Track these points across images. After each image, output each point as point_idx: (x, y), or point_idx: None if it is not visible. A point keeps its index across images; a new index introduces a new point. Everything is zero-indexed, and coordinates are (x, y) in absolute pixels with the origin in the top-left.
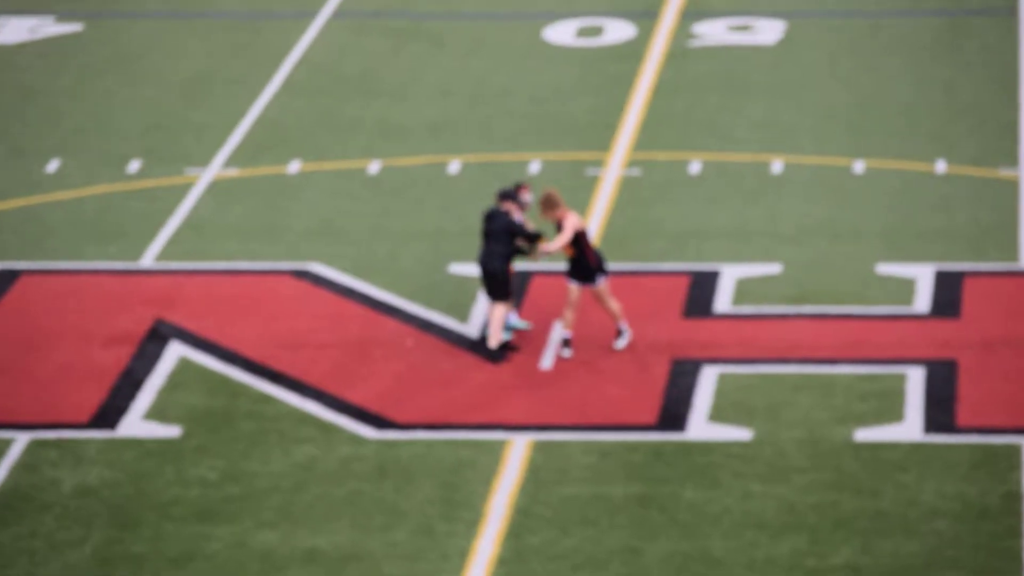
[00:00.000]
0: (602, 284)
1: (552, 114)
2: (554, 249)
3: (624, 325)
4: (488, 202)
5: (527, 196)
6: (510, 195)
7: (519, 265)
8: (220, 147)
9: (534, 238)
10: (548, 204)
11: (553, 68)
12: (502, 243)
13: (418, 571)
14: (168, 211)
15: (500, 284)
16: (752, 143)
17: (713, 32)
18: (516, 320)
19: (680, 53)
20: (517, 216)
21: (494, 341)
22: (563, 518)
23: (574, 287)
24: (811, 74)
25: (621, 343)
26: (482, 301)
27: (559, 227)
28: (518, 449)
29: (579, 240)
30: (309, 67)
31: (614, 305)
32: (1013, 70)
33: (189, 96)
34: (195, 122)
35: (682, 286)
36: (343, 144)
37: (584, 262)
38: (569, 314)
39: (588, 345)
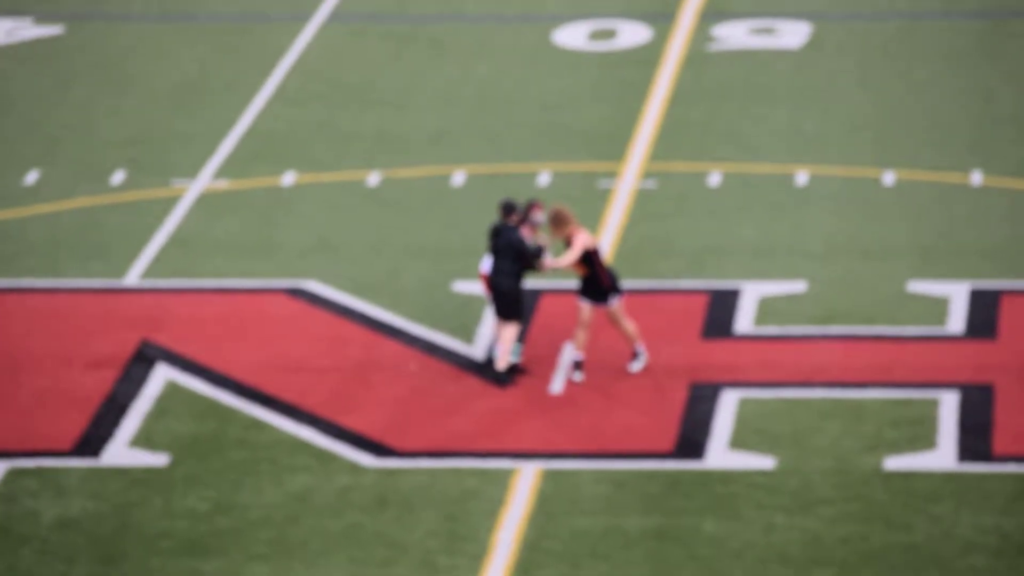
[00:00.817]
0: (615, 304)
1: (562, 123)
2: (560, 266)
3: (640, 347)
4: (495, 216)
5: (539, 215)
6: (513, 208)
7: (528, 283)
8: (209, 158)
9: (537, 255)
10: (558, 221)
11: (563, 73)
12: (510, 260)
13: None
14: (154, 226)
15: (511, 303)
16: (775, 153)
17: (734, 35)
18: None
19: (699, 57)
20: (526, 232)
21: (502, 363)
22: (574, 552)
23: (585, 307)
24: (838, 80)
25: (636, 366)
26: (488, 320)
27: (568, 245)
28: (526, 478)
29: (591, 258)
30: (304, 73)
31: (629, 326)
32: None
33: (176, 104)
34: (183, 131)
35: (701, 305)
36: (340, 155)
37: (596, 281)
38: (581, 335)
39: (601, 368)
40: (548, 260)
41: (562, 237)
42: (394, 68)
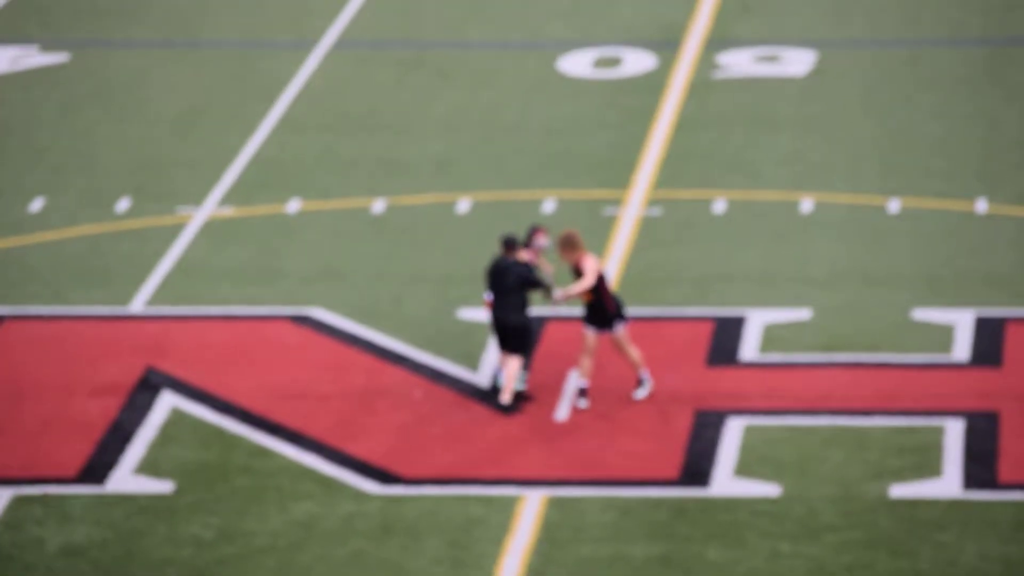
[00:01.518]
0: (620, 331)
1: (567, 150)
2: (575, 294)
3: (645, 374)
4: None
5: (543, 240)
6: (514, 243)
7: (532, 311)
8: (214, 185)
9: (548, 283)
10: (568, 245)
11: (568, 101)
12: (517, 294)
13: None
14: (159, 253)
15: (520, 337)
16: (780, 181)
17: (738, 63)
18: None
19: (703, 85)
20: (528, 257)
21: (507, 395)
22: None
23: (591, 334)
24: (843, 107)
25: (641, 393)
26: (492, 351)
27: (576, 269)
28: (531, 506)
29: (597, 284)
30: (308, 100)
31: (634, 353)
32: None
33: (181, 131)
34: (187, 158)
35: (705, 333)
36: (345, 182)
37: (602, 307)
38: (586, 362)
39: (606, 395)
40: (560, 292)
41: (571, 262)
42: (398, 95)
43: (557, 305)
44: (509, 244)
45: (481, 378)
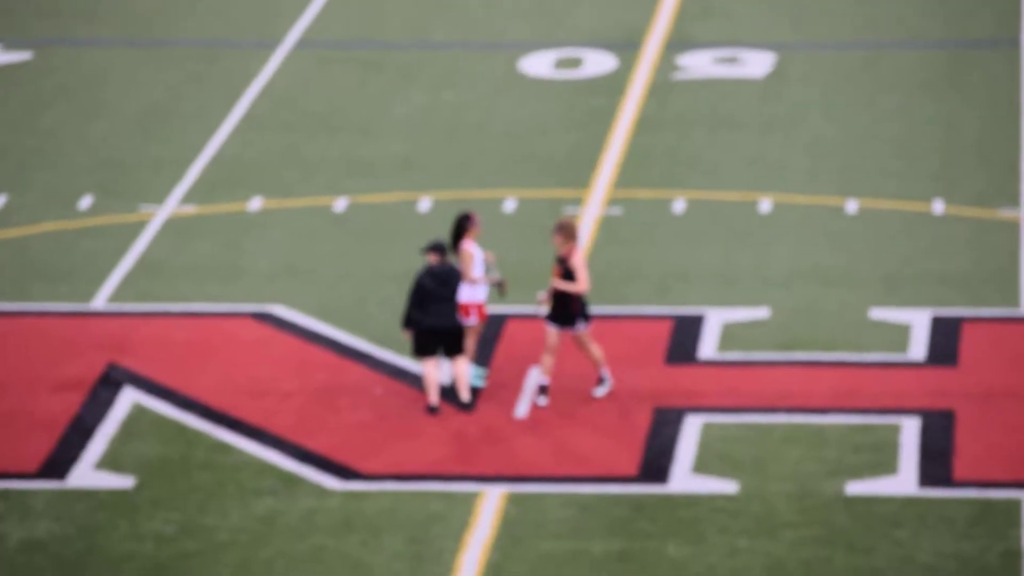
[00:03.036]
0: (583, 330)
1: (528, 150)
2: (579, 289)
3: (606, 372)
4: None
5: (476, 224)
6: (444, 248)
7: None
8: (177, 183)
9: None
10: (567, 233)
11: (530, 101)
12: (452, 298)
13: None
14: (121, 250)
15: (460, 338)
16: (739, 181)
17: (698, 64)
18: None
19: (664, 86)
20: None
21: (466, 393)
22: (539, 575)
23: (553, 331)
24: (802, 109)
25: (601, 391)
26: (432, 362)
27: (563, 259)
28: (491, 502)
29: (569, 279)
30: (271, 99)
31: (596, 351)
32: (1016, 106)
33: (144, 129)
34: (150, 156)
35: (665, 331)
36: (307, 181)
37: (567, 305)
38: (547, 359)
39: (566, 393)
40: (559, 283)
41: (562, 251)
42: (361, 95)
43: (540, 306)
44: (441, 249)
45: (442, 375)
